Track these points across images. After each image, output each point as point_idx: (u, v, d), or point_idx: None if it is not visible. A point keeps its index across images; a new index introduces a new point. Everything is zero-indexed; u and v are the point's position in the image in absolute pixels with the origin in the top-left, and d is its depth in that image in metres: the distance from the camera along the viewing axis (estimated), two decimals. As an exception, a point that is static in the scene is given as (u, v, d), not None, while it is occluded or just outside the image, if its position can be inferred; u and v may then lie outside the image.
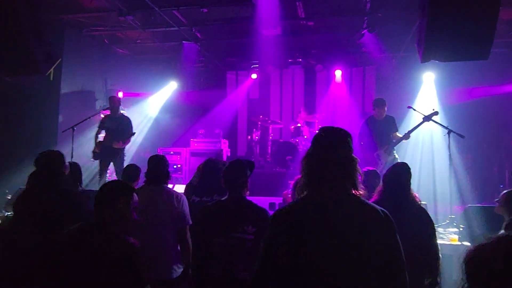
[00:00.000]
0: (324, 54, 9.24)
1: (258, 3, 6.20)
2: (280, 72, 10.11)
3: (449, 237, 4.35)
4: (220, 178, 3.54)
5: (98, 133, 6.28)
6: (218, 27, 7.74)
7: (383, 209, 1.59)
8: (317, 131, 1.72)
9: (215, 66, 10.17)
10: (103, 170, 6.11)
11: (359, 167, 1.62)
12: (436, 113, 5.37)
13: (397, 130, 5.75)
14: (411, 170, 2.80)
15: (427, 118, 5.36)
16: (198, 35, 7.89)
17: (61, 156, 2.84)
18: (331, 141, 1.61)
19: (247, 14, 6.84)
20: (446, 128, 5.20)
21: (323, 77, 9.84)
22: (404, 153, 6.51)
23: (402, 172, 2.77)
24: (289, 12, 6.90)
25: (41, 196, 2.60)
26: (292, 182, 3.14)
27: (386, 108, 5.74)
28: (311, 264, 1.49)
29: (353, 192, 1.60)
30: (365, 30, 6.96)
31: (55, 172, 2.73)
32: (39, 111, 6.80)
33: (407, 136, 5.52)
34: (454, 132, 5.13)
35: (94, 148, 6.16)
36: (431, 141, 7.54)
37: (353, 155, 1.63)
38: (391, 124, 5.76)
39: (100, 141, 6.20)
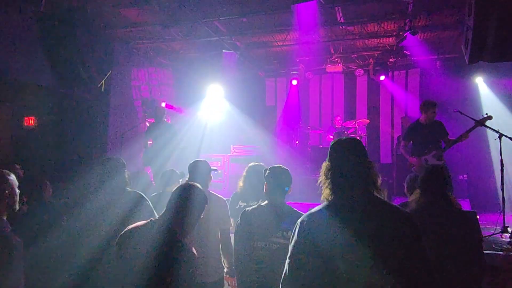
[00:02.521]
0: (364, 59, 9.10)
1: (297, 10, 6.24)
2: (319, 77, 10.06)
3: (503, 247, 4.10)
4: (260, 183, 3.59)
5: (147, 141, 6.57)
6: (257, 35, 7.87)
7: (405, 210, 1.64)
8: (332, 143, 1.83)
9: (254, 74, 10.31)
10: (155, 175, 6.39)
11: (377, 170, 1.72)
12: (489, 117, 5.05)
13: (447, 135, 5.44)
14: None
15: (480, 123, 5.05)
16: (238, 44, 8.07)
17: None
18: (349, 149, 1.74)
19: (286, 21, 6.91)
20: (497, 132, 4.92)
21: (363, 81, 9.68)
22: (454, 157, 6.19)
23: (437, 176, 2.65)
24: (328, 17, 6.88)
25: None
26: None
27: (435, 112, 5.43)
28: (336, 266, 1.54)
29: (375, 194, 1.67)
30: (408, 33, 6.77)
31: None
32: (90, 121, 7.26)
33: (458, 141, 5.23)
34: (506, 136, 4.85)
35: (143, 155, 6.48)
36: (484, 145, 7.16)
37: (369, 159, 1.74)
38: (440, 128, 5.44)
39: (147, 148, 6.48)
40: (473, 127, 5.13)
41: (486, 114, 5.13)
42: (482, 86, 8.05)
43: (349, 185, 1.67)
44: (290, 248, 1.69)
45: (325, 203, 1.72)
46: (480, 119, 5.05)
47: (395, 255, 1.50)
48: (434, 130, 5.40)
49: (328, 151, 1.80)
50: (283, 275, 1.69)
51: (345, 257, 1.53)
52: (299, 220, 1.73)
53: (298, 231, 1.68)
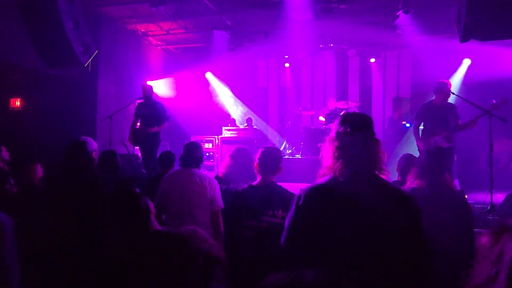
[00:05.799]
0: (356, 39, 8.99)
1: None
2: (311, 58, 9.96)
3: (490, 226, 4.19)
4: (244, 167, 3.62)
5: (135, 121, 6.46)
6: (248, 14, 7.72)
7: (406, 190, 1.62)
8: (343, 116, 1.76)
9: (246, 54, 10.16)
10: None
11: (382, 149, 1.68)
12: (502, 103, 4.98)
13: (459, 119, 5.41)
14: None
15: (492, 109, 4.98)
16: (228, 23, 7.91)
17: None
18: (357, 125, 1.68)
19: (277, -1, 6.78)
20: (487, 111, 4.95)
21: (355, 62, 9.61)
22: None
23: (436, 157, 2.66)
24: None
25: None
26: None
27: (448, 92, 5.34)
28: (335, 241, 1.56)
29: (377, 173, 1.65)
30: (400, 11, 6.69)
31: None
32: (78, 102, 7.12)
33: (470, 125, 5.17)
34: (495, 115, 4.88)
35: (130, 136, 6.37)
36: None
37: (376, 137, 1.70)
38: (452, 111, 5.37)
39: (136, 128, 6.38)
40: (483, 114, 5.04)
41: (494, 101, 5.05)
42: (462, 69, 8.08)
43: (354, 163, 1.63)
44: (288, 220, 1.71)
45: (326, 178, 1.69)
46: (491, 108, 4.97)
47: (393, 235, 1.51)
48: (446, 112, 5.32)
49: (338, 125, 1.73)
50: (283, 238, 1.72)
51: (342, 233, 1.54)
52: (297, 194, 1.73)
53: (297, 204, 1.69)
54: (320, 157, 1.77)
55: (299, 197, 1.71)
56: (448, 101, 5.39)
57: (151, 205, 2.08)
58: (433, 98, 5.43)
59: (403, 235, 1.52)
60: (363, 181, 1.62)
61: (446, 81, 5.40)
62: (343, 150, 1.65)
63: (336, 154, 1.67)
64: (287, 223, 1.72)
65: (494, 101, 5.01)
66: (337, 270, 1.48)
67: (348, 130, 1.68)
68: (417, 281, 1.52)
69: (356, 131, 1.67)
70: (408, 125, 7.96)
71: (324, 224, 1.59)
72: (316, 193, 1.68)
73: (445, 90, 5.28)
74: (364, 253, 1.51)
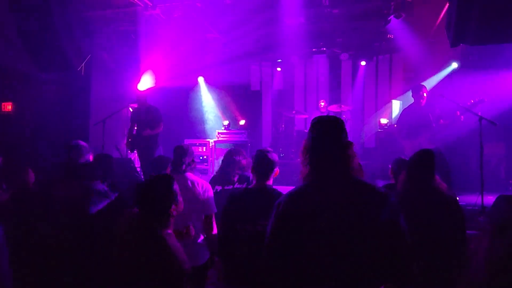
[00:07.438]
0: (349, 43, 9.06)
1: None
2: (304, 62, 10.02)
3: (480, 227, 4.24)
4: (238, 168, 3.67)
5: (132, 127, 6.44)
6: (241, 18, 7.74)
7: (385, 190, 1.65)
8: (313, 120, 1.80)
9: (239, 57, 10.17)
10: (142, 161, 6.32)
11: (354, 151, 1.72)
12: (482, 101, 5.18)
13: (441, 118, 5.57)
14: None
15: (470, 108, 5.15)
16: (221, 27, 7.93)
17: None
18: (330, 128, 1.72)
19: (271, 3, 6.81)
20: (477, 115, 5.03)
21: (348, 66, 9.69)
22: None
23: (425, 159, 2.67)
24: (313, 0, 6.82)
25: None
26: None
27: (424, 94, 5.57)
28: (313, 245, 1.57)
29: (352, 174, 1.67)
30: (392, 16, 6.77)
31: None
32: (71, 106, 7.07)
33: (453, 124, 5.35)
34: (485, 119, 4.96)
35: (127, 142, 6.36)
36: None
37: (348, 139, 1.74)
38: (432, 112, 5.56)
39: (133, 134, 6.37)
40: (462, 112, 5.26)
41: (472, 100, 5.27)
42: (446, 70, 8.21)
43: (326, 165, 1.66)
44: (268, 228, 1.72)
45: (302, 184, 1.72)
46: (470, 106, 5.17)
47: (373, 234, 1.52)
48: (427, 113, 5.50)
49: (309, 129, 1.78)
50: (264, 250, 1.72)
51: (323, 237, 1.55)
52: (276, 202, 1.74)
53: (276, 212, 1.70)
54: (300, 162, 1.79)
55: (277, 205, 1.73)
56: (427, 103, 5.58)
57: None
58: (412, 102, 5.62)
59: (382, 232, 1.52)
60: (336, 183, 1.64)
61: (421, 84, 5.62)
62: (314, 154, 1.68)
63: (308, 159, 1.70)
64: (267, 231, 1.73)
65: (472, 101, 5.21)
66: (318, 274, 1.51)
67: (317, 135, 1.71)
68: (398, 279, 1.52)
69: (325, 135, 1.70)
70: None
71: (302, 230, 1.59)
72: (292, 200, 1.69)
73: (421, 92, 5.49)
74: (342, 254, 1.52)
